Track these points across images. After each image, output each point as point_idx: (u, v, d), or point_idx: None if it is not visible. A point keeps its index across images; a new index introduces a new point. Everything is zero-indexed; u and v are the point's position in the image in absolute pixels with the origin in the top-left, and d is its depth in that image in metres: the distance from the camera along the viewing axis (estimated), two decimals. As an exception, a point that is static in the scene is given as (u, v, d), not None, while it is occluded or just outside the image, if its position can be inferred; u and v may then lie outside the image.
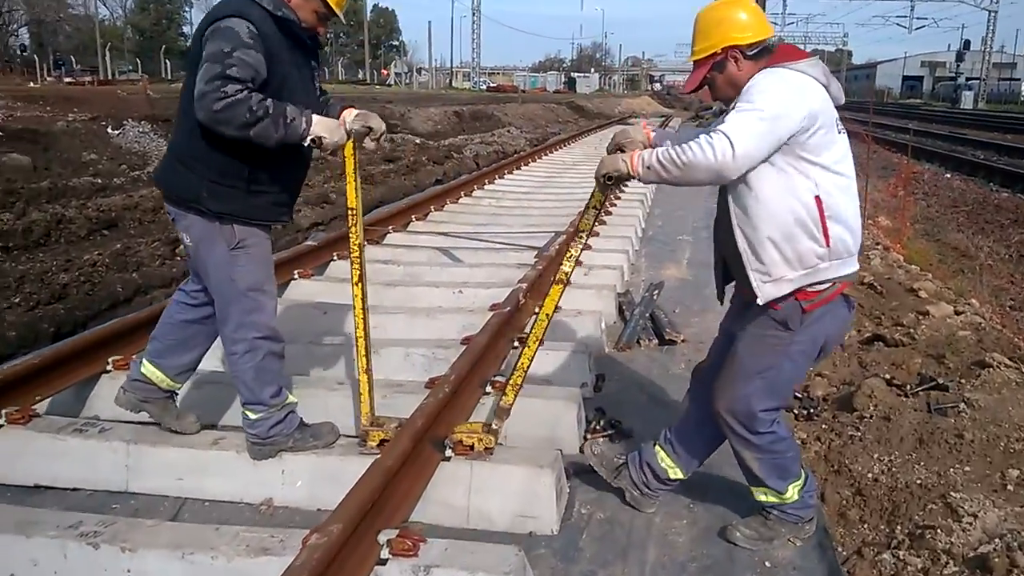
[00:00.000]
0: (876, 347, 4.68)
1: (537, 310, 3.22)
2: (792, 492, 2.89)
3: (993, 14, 61.74)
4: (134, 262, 7.18)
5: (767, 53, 2.66)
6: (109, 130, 13.20)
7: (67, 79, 36.04)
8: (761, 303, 2.63)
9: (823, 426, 3.88)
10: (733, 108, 2.55)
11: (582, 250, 3.07)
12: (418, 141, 17.02)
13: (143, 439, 3.35)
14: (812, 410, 4.02)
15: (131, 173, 11.54)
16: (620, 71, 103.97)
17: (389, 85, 57.12)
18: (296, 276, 5.86)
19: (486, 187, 11.19)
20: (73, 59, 48.65)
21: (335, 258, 6.43)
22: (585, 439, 3.70)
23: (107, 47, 47.05)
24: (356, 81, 59.77)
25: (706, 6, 2.76)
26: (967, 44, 71.93)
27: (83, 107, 15.39)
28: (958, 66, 69.65)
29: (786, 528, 2.93)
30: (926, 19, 65.38)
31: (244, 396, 3.17)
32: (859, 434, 3.66)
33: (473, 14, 71.20)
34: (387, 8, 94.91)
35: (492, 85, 67.59)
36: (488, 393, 3.80)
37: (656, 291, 5.97)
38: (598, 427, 3.87)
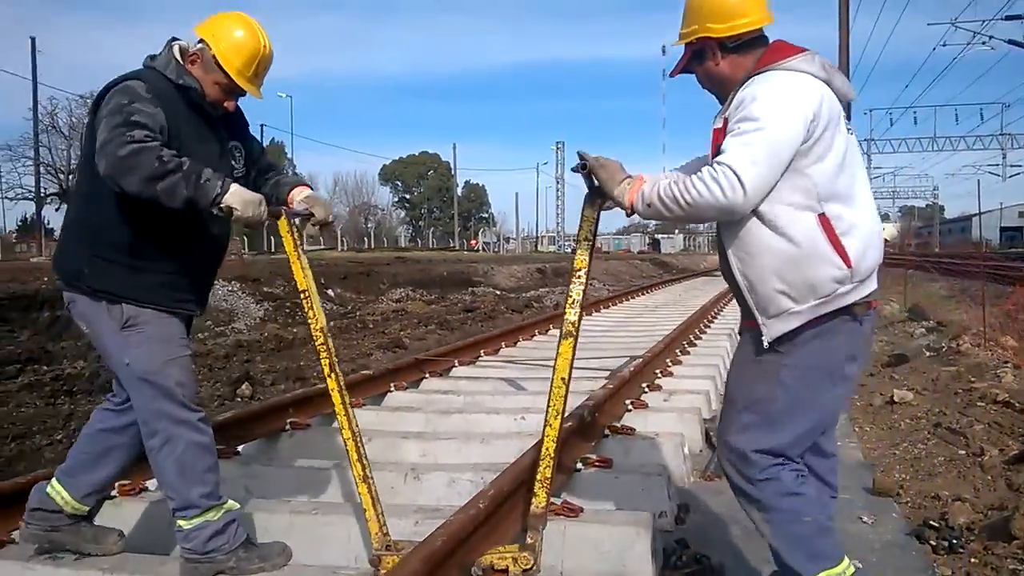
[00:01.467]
0: (1028, 465, 3.81)
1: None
2: None
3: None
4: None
5: (756, 47, 2.31)
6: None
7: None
8: (767, 343, 2.24)
9: (972, 560, 3.04)
10: (730, 130, 2.18)
11: (583, 292, 2.69)
12: (498, 292, 16.92)
13: (121, 568, 2.81)
14: (955, 541, 3.18)
15: (216, 328, 11.67)
16: (705, 232, 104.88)
17: (477, 251, 58.95)
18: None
19: (563, 327, 10.68)
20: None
21: (392, 388, 5.98)
22: (663, 576, 2.98)
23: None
24: (445, 248, 61.93)
25: None
26: (1068, 189, 69.51)
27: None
28: (1061, 211, 67.16)
29: None
30: (1020, 166, 63.73)
31: (172, 500, 2.74)
32: (1024, 567, 2.80)
33: (557, 183, 74.15)
34: (478, 184, 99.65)
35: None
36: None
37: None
38: (679, 563, 3.14)
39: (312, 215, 2.91)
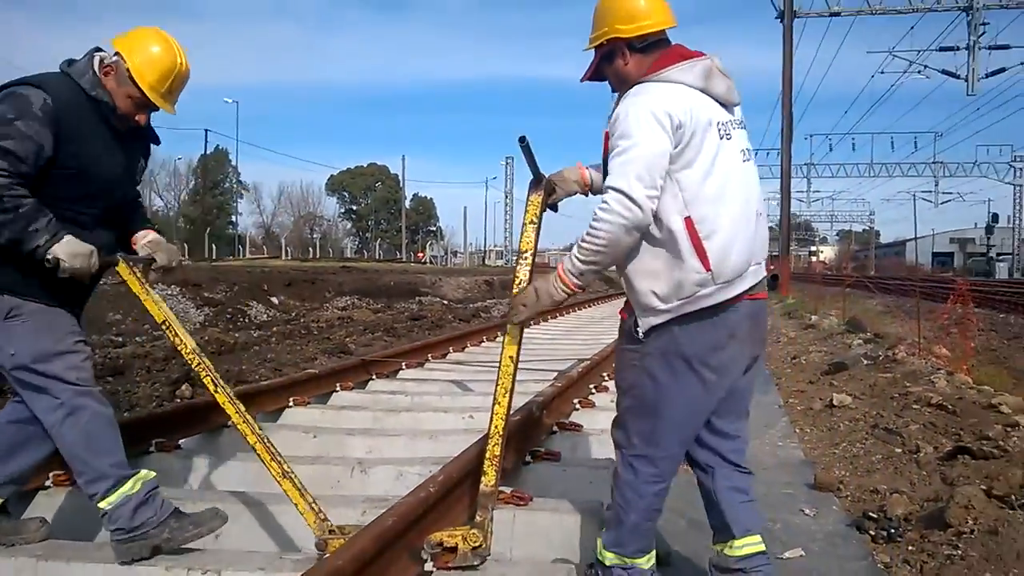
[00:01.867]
0: (962, 460, 3.93)
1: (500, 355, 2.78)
2: (608, 556, 2.50)
3: (1019, 187, 62.37)
4: (126, 402, 6.71)
5: (659, 47, 2.46)
6: (136, 291, 13.16)
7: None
8: (640, 334, 2.39)
9: (909, 548, 3.12)
10: (611, 147, 2.35)
11: (531, 273, 2.71)
12: (445, 302, 16.86)
13: (55, 555, 2.70)
14: (893, 531, 3.25)
15: (154, 332, 11.34)
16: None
17: (424, 263, 58.75)
18: (291, 403, 5.30)
19: (511, 335, 10.68)
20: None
21: (338, 388, 5.89)
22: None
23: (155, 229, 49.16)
24: (392, 259, 61.55)
25: None
26: (995, 217, 72.46)
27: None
28: (988, 238, 69.81)
29: None
30: (951, 193, 66.20)
31: (83, 475, 2.71)
32: (959, 552, 2.90)
33: (506, 197, 74.43)
34: (426, 197, 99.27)
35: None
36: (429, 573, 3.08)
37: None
38: (627, 552, 3.13)
39: (154, 260, 2.95)
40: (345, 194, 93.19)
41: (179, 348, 2.88)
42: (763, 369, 8.48)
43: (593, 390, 5.70)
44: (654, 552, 2.57)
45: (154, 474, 2.83)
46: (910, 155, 56.77)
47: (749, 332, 2.42)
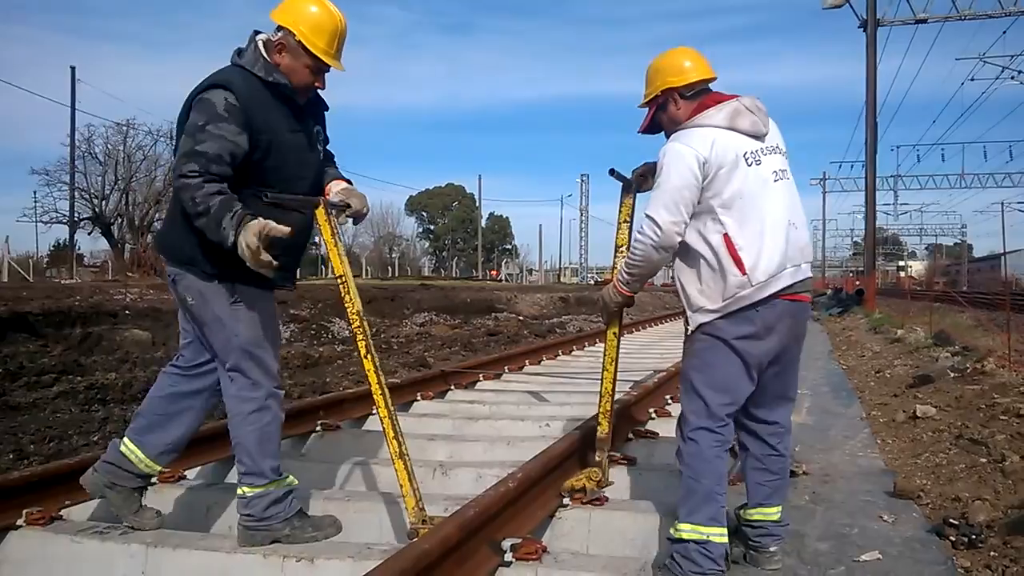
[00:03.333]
0: (1050, 468, 3.83)
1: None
2: (684, 529, 2.75)
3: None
4: (221, 411, 7.05)
5: (703, 94, 2.98)
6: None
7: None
8: (691, 330, 2.91)
9: (992, 553, 3.07)
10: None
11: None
12: (521, 318, 17.01)
13: (164, 542, 2.93)
14: (974, 536, 3.21)
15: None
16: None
17: (499, 280, 59.19)
18: (375, 411, 5.51)
19: (586, 348, 10.75)
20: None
21: (418, 398, 6.09)
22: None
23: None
24: (468, 277, 62.26)
25: (654, 57, 3.11)
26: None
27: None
28: (1090, 249, 66.05)
29: None
30: (1047, 202, 63.06)
31: (244, 465, 2.96)
32: (1045, 558, 2.83)
33: (581, 214, 74.40)
34: (502, 215, 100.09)
35: (599, 279, 68.84)
36: (567, 506, 3.22)
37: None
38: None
39: (348, 206, 3.08)
40: (424, 214, 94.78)
41: (346, 305, 3.01)
42: (846, 384, 8.33)
43: (669, 400, 5.73)
44: (727, 531, 2.80)
45: (296, 482, 3.10)
46: (1005, 165, 54.40)
47: (787, 328, 2.84)
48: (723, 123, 2.86)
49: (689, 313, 2.90)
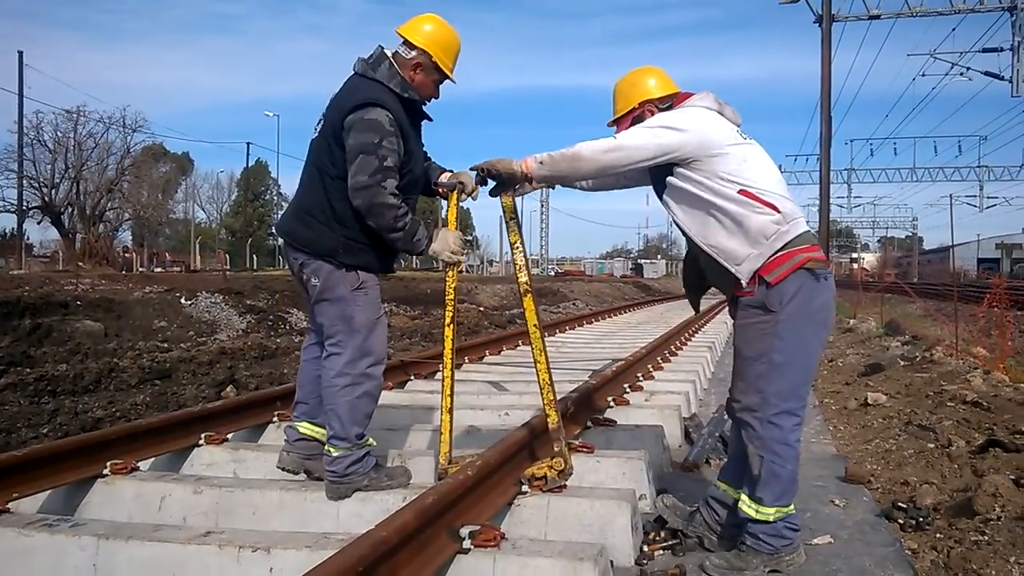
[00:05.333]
0: (993, 453, 3.95)
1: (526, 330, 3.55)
2: (771, 512, 2.85)
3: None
4: (175, 402, 6.95)
5: (674, 100, 3.16)
6: (183, 300, 13.48)
7: (157, 269, 38.13)
8: (745, 283, 2.83)
9: (937, 535, 3.17)
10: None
11: (525, 258, 3.48)
12: (481, 309, 17.01)
13: (116, 534, 2.88)
14: (921, 519, 3.31)
15: (199, 339, 11.61)
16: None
17: (461, 271, 59.07)
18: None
19: (547, 339, 10.78)
20: (168, 255, 51.97)
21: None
22: (642, 551, 3.11)
23: (198, 240, 50.21)
24: (429, 268, 62.03)
25: (620, 77, 3.26)
26: (1043, 221, 70.68)
27: (162, 283, 15.95)
28: (1034, 243, 68.12)
29: (759, 559, 2.88)
30: (997, 198, 64.63)
31: (333, 429, 3.25)
32: (985, 538, 2.95)
33: (542, 206, 74.55)
34: (463, 207, 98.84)
35: (559, 271, 69.13)
36: (525, 493, 3.24)
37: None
38: (658, 538, 3.26)
39: (463, 184, 3.41)
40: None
41: (446, 279, 3.51)
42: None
43: (628, 389, 5.78)
44: None
45: (375, 442, 3.43)
46: (954, 159, 55.80)
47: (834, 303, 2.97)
48: (712, 107, 3.05)
49: (735, 269, 2.82)
